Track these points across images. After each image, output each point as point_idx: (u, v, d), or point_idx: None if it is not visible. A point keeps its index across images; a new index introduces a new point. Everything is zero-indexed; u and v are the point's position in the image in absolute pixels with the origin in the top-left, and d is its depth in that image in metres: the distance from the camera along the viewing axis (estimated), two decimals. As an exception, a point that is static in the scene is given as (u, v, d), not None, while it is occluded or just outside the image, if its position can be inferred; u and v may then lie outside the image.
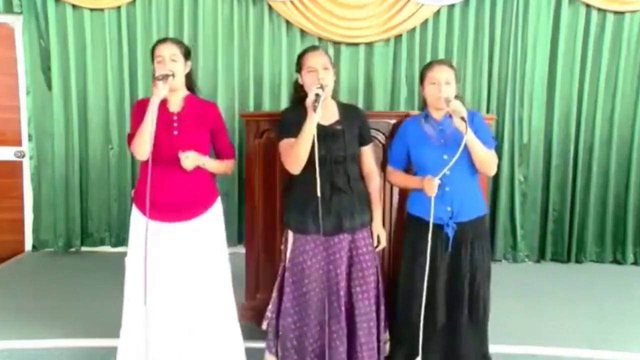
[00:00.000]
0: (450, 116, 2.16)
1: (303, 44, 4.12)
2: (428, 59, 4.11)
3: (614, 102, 4.11)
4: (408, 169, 2.37)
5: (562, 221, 4.19)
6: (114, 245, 4.29)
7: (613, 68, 4.10)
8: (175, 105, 2.22)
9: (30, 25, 4.10)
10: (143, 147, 2.09)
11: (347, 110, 2.31)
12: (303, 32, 4.13)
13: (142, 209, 2.18)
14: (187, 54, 2.25)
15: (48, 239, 4.28)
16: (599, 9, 4.05)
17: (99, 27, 4.11)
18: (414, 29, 4.12)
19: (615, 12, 4.05)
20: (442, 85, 2.20)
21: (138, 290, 2.18)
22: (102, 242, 4.30)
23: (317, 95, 2.04)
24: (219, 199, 2.34)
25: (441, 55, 4.11)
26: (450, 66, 2.29)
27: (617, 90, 4.10)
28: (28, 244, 4.34)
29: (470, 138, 2.10)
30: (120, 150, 4.21)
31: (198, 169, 2.20)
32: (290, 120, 2.19)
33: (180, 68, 2.20)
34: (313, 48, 2.29)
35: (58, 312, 3.03)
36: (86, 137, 4.20)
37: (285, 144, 2.18)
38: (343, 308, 2.18)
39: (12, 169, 4.30)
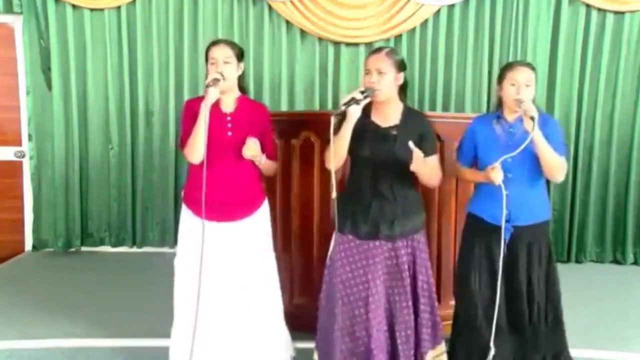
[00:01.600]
0: (522, 120, 2.13)
1: (303, 44, 4.13)
2: (428, 59, 4.13)
3: (614, 102, 4.11)
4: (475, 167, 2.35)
5: (562, 221, 4.19)
6: (114, 245, 4.29)
7: (613, 68, 4.10)
8: (229, 106, 2.23)
9: (30, 25, 4.10)
10: (197, 151, 2.10)
11: (410, 116, 2.20)
12: (303, 32, 4.13)
13: (193, 209, 2.19)
14: (240, 55, 2.23)
15: (48, 239, 4.28)
16: (599, 9, 4.05)
17: (99, 27, 4.12)
18: (414, 29, 4.12)
19: (615, 12, 4.05)
20: (522, 87, 2.17)
21: (189, 291, 2.17)
22: (102, 242, 4.30)
23: (354, 99, 2.00)
24: (266, 200, 2.35)
25: (441, 55, 4.11)
26: (532, 69, 2.24)
27: (617, 90, 4.09)
28: (28, 244, 4.34)
29: (537, 139, 2.07)
30: (120, 150, 4.21)
31: (249, 170, 2.21)
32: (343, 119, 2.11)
33: (233, 70, 2.18)
34: (378, 50, 2.20)
35: (58, 312, 3.02)
36: (86, 137, 4.20)
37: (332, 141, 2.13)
38: (383, 317, 2.14)
39: (12, 169, 4.30)
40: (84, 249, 4.29)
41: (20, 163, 4.30)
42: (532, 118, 2.03)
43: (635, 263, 4.21)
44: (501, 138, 2.21)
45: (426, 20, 4.10)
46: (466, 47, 4.12)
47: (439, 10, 4.08)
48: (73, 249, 4.26)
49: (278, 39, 4.14)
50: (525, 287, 2.20)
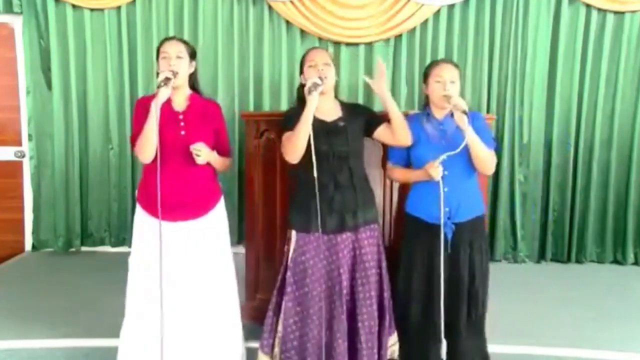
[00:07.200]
0: (452, 115, 2.16)
1: (303, 44, 4.12)
2: (428, 59, 4.11)
3: (614, 102, 4.11)
4: (408, 167, 2.36)
5: (562, 221, 4.19)
6: (114, 245, 4.29)
7: (613, 68, 4.10)
8: (180, 104, 2.24)
9: (30, 25, 4.10)
10: (147, 150, 2.11)
11: (349, 108, 2.33)
12: (303, 32, 4.13)
13: (147, 209, 2.20)
14: (192, 54, 2.28)
15: (48, 239, 4.28)
16: (599, 9, 4.04)
17: (99, 27, 4.11)
18: (414, 29, 4.12)
19: (615, 12, 4.04)
20: (447, 83, 2.20)
21: (142, 290, 2.19)
22: (102, 242, 4.30)
23: (315, 83, 2.08)
24: (222, 198, 2.36)
25: (441, 55, 4.10)
26: (455, 66, 2.29)
27: (617, 90, 4.09)
28: (28, 244, 4.34)
29: (471, 134, 2.10)
30: (120, 150, 4.21)
31: (204, 168, 2.22)
32: (293, 115, 2.20)
33: (185, 66, 2.21)
34: (315, 47, 2.33)
35: (58, 312, 3.03)
36: (86, 137, 4.20)
37: (286, 135, 2.20)
38: (345, 307, 2.19)
39: (12, 169, 4.30)
40: (84, 249, 4.29)
41: (20, 163, 4.30)
42: (464, 112, 2.06)
43: (635, 263, 4.20)
44: (433, 136, 2.24)
45: (426, 20, 4.10)
46: (466, 47, 4.12)
47: (439, 10, 4.08)
48: (73, 249, 4.26)
49: (278, 39, 4.14)
50: (467, 285, 2.22)
